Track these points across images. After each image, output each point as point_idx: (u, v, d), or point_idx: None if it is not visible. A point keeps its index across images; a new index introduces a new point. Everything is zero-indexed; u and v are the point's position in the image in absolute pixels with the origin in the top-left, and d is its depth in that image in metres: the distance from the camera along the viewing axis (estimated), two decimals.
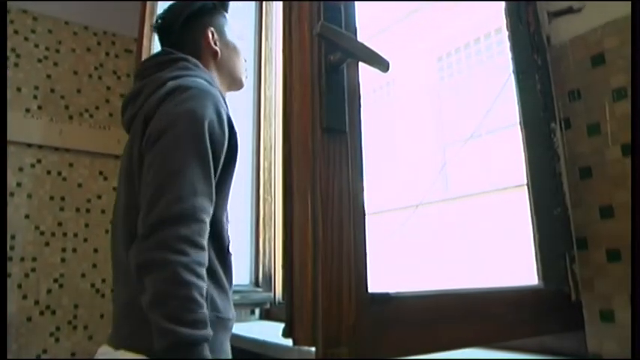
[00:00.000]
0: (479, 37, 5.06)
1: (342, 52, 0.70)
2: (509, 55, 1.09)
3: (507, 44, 1.11)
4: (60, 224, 1.99)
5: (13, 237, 1.90)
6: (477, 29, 5.01)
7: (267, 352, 1.24)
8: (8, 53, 2.00)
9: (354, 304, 0.71)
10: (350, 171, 0.73)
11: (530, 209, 1.02)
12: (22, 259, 1.90)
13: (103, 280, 2.02)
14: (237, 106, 1.67)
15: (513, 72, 1.07)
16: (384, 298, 0.75)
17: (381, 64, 0.72)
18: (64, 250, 1.98)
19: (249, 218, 1.60)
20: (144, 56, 1.64)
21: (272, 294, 1.60)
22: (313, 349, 0.70)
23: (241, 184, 1.61)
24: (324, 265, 0.69)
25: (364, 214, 0.75)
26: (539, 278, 0.99)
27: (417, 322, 0.78)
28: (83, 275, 2.00)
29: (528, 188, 1.03)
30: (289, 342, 0.72)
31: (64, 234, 1.99)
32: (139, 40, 1.65)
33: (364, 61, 0.72)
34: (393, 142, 5.77)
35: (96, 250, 2.04)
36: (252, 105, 1.66)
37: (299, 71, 0.79)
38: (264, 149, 1.60)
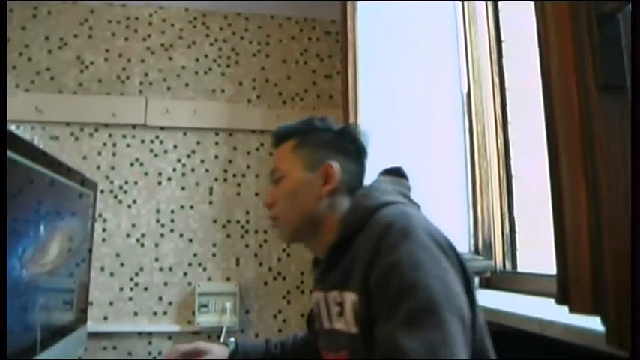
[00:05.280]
0: None
1: None
2: None
3: None
4: None
5: (247, 212, 2.18)
6: None
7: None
8: (229, 53, 2.27)
9: None
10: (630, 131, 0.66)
11: None
12: (256, 232, 2.18)
13: None
14: (441, 71, 1.64)
15: None
16: None
17: None
18: None
19: (465, 185, 1.58)
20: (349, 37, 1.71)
21: (492, 262, 1.56)
22: (597, 318, 0.68)
23: (454, 151, 1.59)
24: (610, 231, 0.65)
25: None
26: None
27: None
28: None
29: None
30: None
31: None
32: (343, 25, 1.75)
33: None
34: None
35: None
36: (457, 68, 1.61)
37: (555, 26, 0.74)
38: (476, 113, 1.54)
